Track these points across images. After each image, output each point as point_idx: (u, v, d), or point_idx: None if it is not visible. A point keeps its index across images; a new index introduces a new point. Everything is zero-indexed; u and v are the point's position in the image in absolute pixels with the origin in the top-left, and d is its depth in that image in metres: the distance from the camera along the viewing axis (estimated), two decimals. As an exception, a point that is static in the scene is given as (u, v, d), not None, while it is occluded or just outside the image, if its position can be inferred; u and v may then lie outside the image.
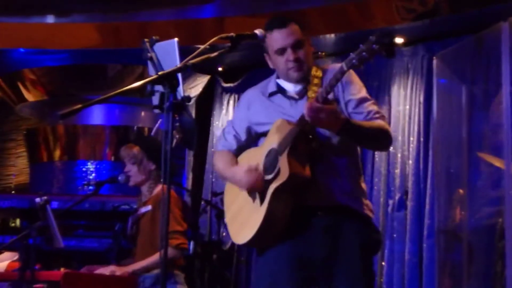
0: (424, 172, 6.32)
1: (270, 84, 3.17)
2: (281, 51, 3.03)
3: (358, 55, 2.71)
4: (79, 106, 2.44)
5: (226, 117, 7.55)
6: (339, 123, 2.86)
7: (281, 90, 3.11)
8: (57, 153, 7.83)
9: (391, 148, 6.20)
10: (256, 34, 2.94)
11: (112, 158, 7.70)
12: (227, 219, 3.24)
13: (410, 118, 6.49)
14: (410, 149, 6.43)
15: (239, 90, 7.30)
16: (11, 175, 8.62)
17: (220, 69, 7.65)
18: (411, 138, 6.44)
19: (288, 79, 3.08)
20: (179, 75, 2.65)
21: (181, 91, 2.68)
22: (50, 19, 7.43)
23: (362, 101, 3.03)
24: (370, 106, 3.03)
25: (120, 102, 7.84)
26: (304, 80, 3.05)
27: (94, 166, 7.61)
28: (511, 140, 4.78)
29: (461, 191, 5.59)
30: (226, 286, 6.72)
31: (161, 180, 4.01)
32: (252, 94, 3.23)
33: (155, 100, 2.56)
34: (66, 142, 7.83)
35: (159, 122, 6.33)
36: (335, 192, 2.98)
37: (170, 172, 2.52)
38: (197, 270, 6.46)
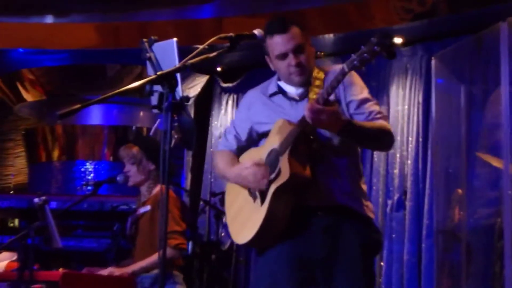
0: (423, 172, 6.32)
1: (271, 85, 3.16)
2: (283, 56, 3.01)
3: (359, 56, 2.69)
4: (78, 106, 2.43)
5: (225, 117, 7.54)
6: (340, 124, 2.84)
7: (282, 91, 3.11)
8: (56, 153, 7.83)
9: (390, 148, 6.19)
10: (255, 34, 2.92)
11: (111, 158, 7.69)
12: (228, 219, 3.24)
13: (409, 118, 6.49)
14: (409, 149, 6.43)
15: (238, 90, 7.28)
16: (10, 175, 8.60)
17: (219, 69, 7.64)
18: (410, 138, 6.44)
19: (290, 83, 3.07)
20: (178, 75, 2.64)
21: (180, 91, 2.67)
22: (49, 19, 7.44)
23: (363, 101, 3.01)
24: (372, 106, 3.02)
25: (119, 102, 7.84)
26: (306, 83, 3.04)
27: (92, 166, 7.61)
28: (510, 140, 4.78)
29: (459, 191, 5.59)
30: (225, 286, 6.71)
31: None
32: (253, 94, 3.23)
33: (154, 100, 2.56)
34: (64, 142, 7.83)
35: (157, 122, 6.33)
36: (335, 193, 2.98)
37: (169, 172, 2.52)
38: (196, 270, 6.45)
